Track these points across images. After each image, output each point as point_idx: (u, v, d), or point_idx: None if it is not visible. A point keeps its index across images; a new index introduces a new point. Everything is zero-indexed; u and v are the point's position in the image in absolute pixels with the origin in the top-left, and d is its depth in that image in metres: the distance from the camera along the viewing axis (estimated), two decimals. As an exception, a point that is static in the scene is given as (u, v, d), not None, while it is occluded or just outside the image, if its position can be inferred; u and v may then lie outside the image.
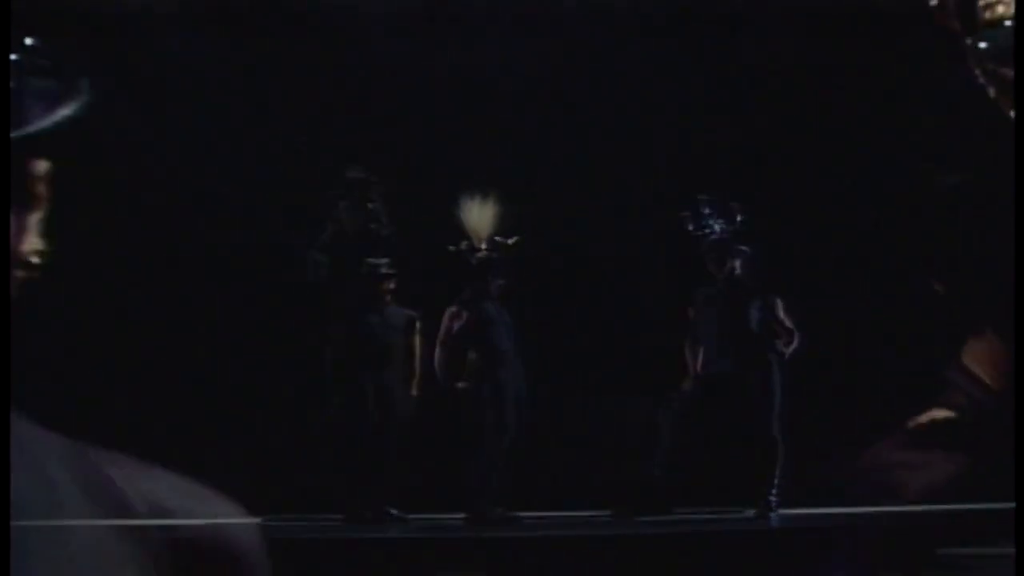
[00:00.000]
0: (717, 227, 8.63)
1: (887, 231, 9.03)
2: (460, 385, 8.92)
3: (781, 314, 8.54)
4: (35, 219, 3.42)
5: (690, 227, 8.77)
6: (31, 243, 3.43)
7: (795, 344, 8.56)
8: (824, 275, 9.50)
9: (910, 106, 9.33)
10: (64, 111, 3.14)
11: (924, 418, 3.44)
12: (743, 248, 8.72)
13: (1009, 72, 3.25)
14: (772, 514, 7.99)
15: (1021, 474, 4.92)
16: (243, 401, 8.77)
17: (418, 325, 8.95)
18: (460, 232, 8.94)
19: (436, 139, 9.61)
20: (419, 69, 9.63)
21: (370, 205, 8.94)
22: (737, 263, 8.73)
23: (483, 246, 8.93)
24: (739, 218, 8.68)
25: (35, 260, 3.47)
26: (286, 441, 8.80)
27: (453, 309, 8.87)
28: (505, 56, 9.80)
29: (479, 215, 9.08)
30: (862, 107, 9.58)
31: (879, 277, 9.23)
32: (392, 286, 8.86)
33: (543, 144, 9.83)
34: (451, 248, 8.86)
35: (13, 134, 3.07)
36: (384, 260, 8.90)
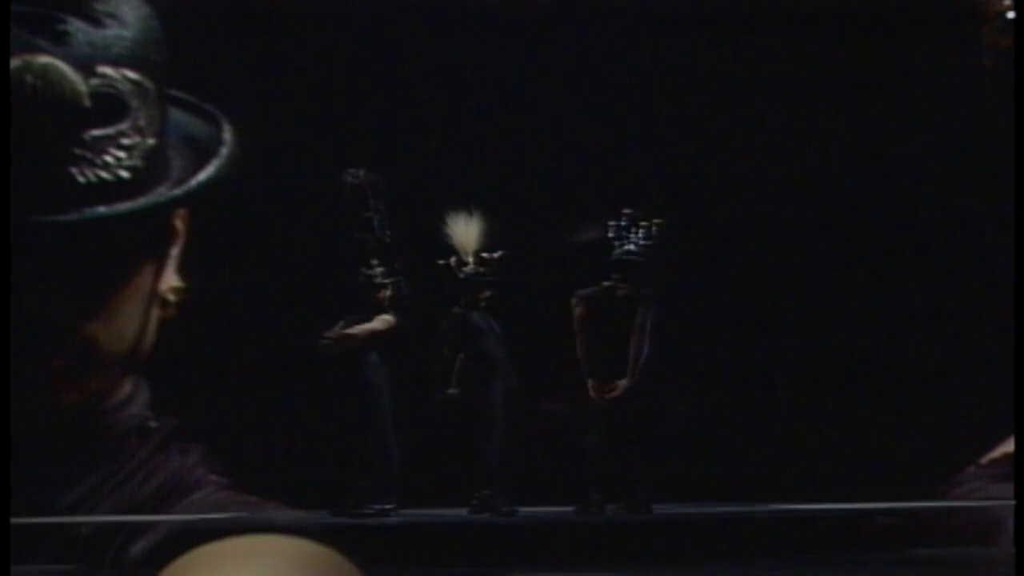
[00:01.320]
0: (632, 238, 8.97)
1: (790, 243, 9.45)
2: (451, 391, 9.33)
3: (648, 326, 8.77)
4: (172, 259, 3.82)
5: (611, 236, 9.12)
6: (168, 281, 3.83)
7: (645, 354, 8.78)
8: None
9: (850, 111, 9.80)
10: (213, 167, 3.53)
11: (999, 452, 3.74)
12: (640, 259, 9.02)
13: None
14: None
15: (1021, 474, 5.36)
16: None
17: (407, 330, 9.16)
18: (449, 246, 9.28)
19: (426, 149, 9.93)
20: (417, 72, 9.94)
21: (365, 213, 9.19)
22: (640, 275, 9.06)
23: (470, 260, 9.34)
24: (653, 231, 9.01)
25: (172, 298, 3.87)
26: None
27: (445, 322, 9.28)
28: (497, 60, 10.15)
29: (465, 231, 9.45)
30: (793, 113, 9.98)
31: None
32: (389, 293, 9.17)
33: (527, 152, 10.21)
34: (440, 262, 9.24)
35: (170, 193, 3.46)
36: (380, 269, 9.19)
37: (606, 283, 8.79)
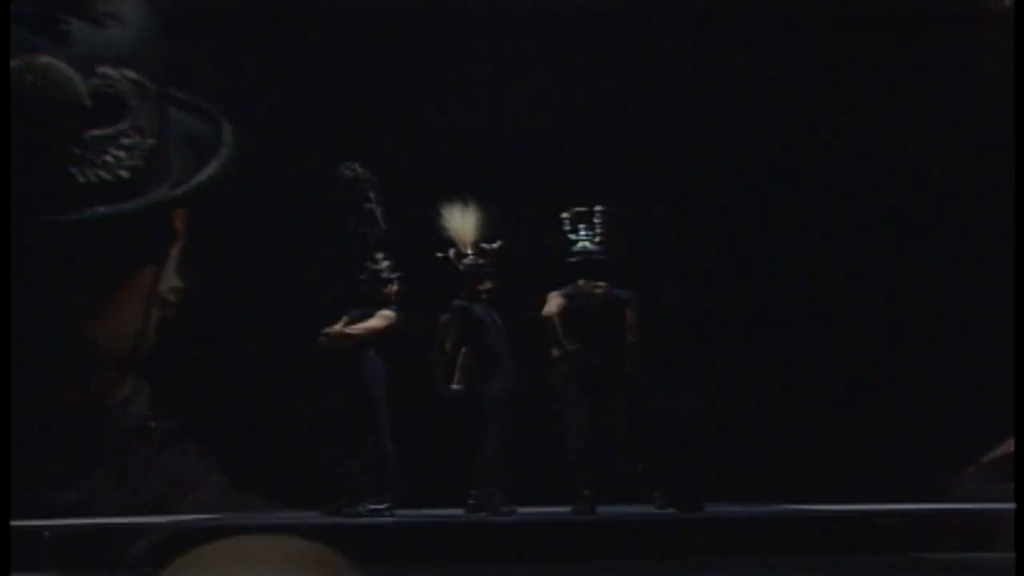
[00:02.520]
0: (584, 235, 8.80)
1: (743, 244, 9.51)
2: (455, 387, 9.13)
3: (633, 321, 8.65)
4: (172, 260, 3.84)
5: (567, 232, 8.97)
6: (169, 282, 3.85)
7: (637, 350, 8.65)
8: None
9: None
10: (214, 165, 3.55)
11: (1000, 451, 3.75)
12: (603, 258, 8.87)
13: None
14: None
15: (1021, 475, 5.37)
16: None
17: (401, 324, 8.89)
18: (446, 239, 9.03)
19: (423, 144, 9.90)
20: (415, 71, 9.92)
21: (366, 205, 9.06)
22: (604, 271, 8.90)
23: (469, 252, 9.11)
24: (602, 229, 8.86)
25: (172, 298, 3.89)
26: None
27: (446, 316, 9.10)
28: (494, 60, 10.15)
29: (463, 222, 9.25)
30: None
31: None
32: (395, 288, 8.97)
33: (524, 145, 10.17)
34: (439, 255, 9.02)
35: (174, 191, 3.48)
36: (386, 263, 9.01)
37: (581, 282, 8.65)
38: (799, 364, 9.39)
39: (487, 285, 8.65)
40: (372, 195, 9.01)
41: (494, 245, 8.66)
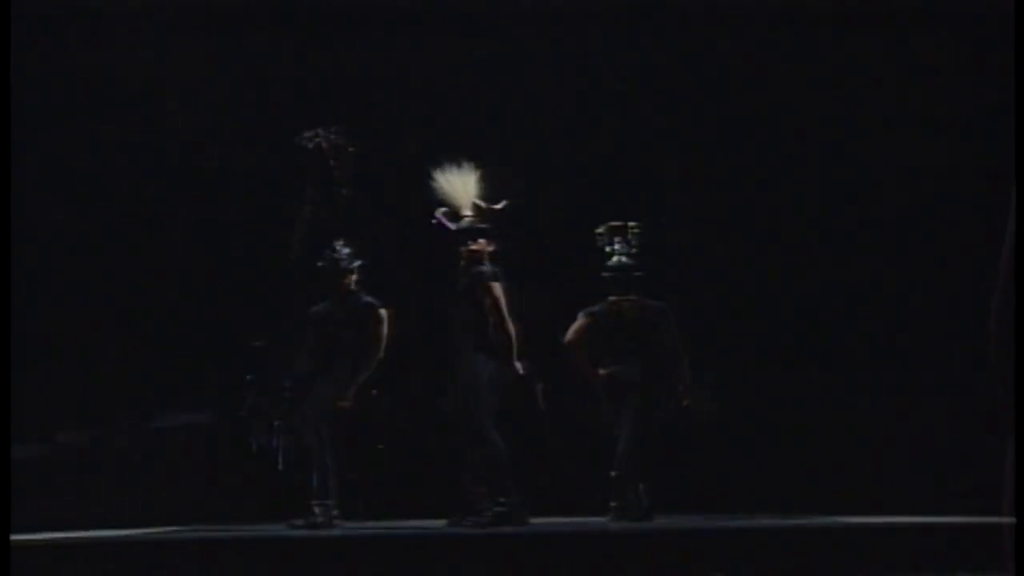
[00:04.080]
0: (619, 249, 8.64)
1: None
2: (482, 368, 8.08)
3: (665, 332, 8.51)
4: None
5: (603, 246, 8.80)
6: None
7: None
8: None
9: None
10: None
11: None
12: (639, 275, 8.69)
13: None
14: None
15: (1021, 487, 5.35)
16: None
17: (383, 315, 8.18)
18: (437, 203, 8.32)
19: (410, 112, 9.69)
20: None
21: (334, 188, 8.47)
22: (635, 288, 8.70)
23: (466, 213, 8.38)
24: (637, 244, 8.69)
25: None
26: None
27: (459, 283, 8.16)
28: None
29: (461, 180, 8.65)
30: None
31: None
32: (356, 277, 8.28)
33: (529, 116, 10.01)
34: (432, 221, 8.29)
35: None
36: (346, 252, 8.34)
37: (612, 298, 8.34)
38: (813, 368, 9.32)
39: (484, 245, 7.92)
40: (337, 172, 8.50)
41: (497, 205, 8.04)
